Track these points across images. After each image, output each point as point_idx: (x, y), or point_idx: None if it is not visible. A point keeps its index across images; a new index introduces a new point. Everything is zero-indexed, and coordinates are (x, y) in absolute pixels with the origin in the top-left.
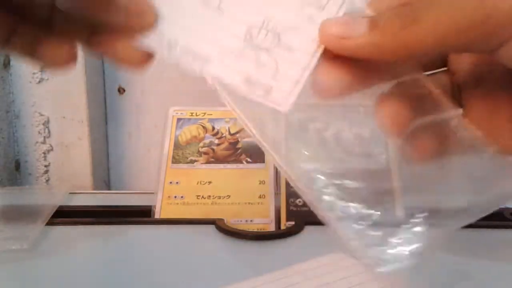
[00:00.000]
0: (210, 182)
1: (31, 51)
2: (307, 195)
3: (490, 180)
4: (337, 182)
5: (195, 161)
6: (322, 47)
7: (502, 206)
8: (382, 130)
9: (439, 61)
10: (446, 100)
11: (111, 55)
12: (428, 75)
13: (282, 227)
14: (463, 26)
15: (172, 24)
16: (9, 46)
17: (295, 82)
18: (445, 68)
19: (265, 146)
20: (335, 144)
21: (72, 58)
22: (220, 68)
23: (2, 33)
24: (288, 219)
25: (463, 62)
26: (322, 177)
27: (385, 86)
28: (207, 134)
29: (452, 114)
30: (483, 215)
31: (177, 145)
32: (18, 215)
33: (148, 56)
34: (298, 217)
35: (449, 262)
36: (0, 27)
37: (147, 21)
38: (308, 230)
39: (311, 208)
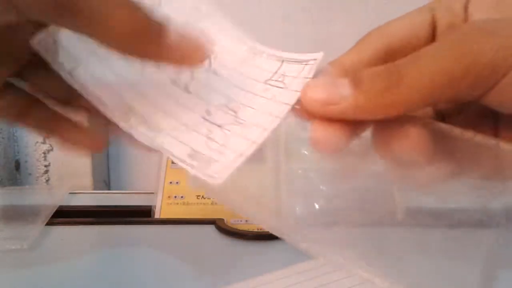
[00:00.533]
0: None
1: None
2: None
3: None
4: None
5: None
6: (278, 121)
7: None
8: (413, 160)
9: None
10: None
11: (63, 141)
12: None
13: None
14: (446, 81)
15: (134, 94)
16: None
17: (239, 155)
18: None
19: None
20: None
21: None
22: (168, 139)
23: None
24: None
25: None
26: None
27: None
28: None
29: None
30: None
31: None
32: (18, 215)
33: (101, 144)
34: None
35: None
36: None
37: None
38: None
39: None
